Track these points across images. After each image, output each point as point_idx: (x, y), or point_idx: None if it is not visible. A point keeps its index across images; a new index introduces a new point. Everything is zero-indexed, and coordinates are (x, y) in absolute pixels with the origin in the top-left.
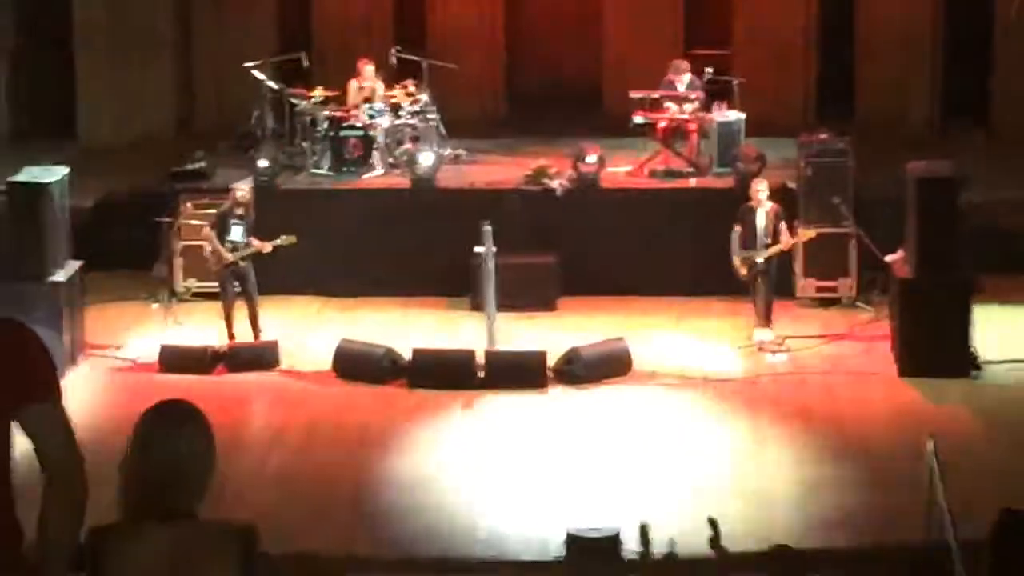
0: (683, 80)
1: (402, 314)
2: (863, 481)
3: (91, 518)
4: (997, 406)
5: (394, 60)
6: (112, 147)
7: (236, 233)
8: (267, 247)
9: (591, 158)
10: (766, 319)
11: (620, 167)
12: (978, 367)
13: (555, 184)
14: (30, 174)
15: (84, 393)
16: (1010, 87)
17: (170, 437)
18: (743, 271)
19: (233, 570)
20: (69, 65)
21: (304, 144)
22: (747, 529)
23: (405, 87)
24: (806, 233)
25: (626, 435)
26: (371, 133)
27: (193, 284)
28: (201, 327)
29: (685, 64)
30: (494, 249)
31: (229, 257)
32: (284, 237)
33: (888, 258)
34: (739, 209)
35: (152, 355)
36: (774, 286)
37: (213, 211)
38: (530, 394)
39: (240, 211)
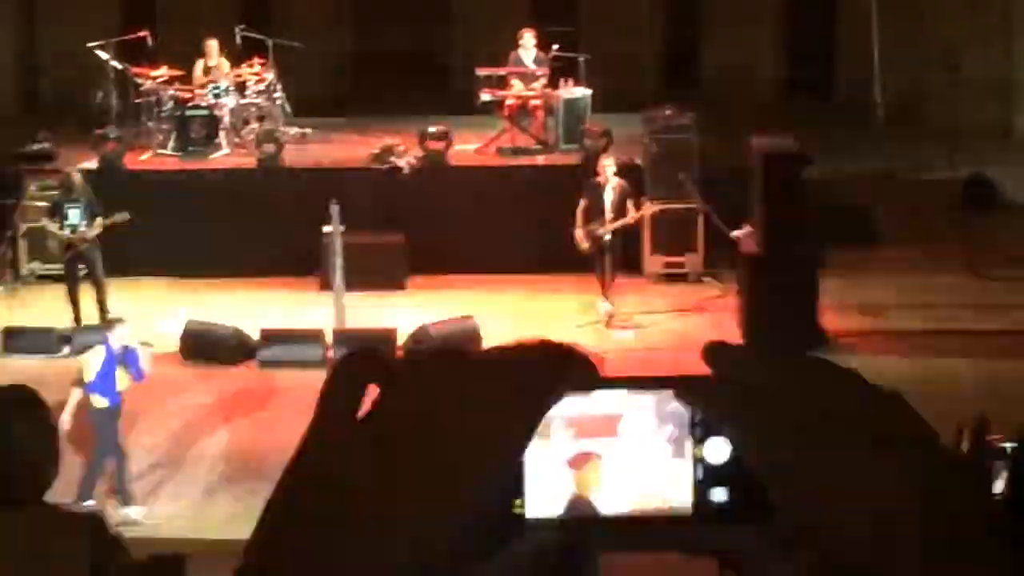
0: (530, 52)
1: (251, 294)
2: None
3: None
4: None
5: (239, 39)
6: None
7: (74, 216)
8: (107, 222)
9: (434, 131)
10: (609, 294)
11: (467, 145)
12: (824, 341)
13: (402, 163)
14: None
15: None
16: (853, 60)
17: (5, 425)
18: (585, 244)
19: (82, 555)
20: None
21: (149, 124)
22: None
23: (251, 66)
24: (650, 207)
25: None
26: (217, 113)
27: (38, 267)
28: (47, 310)
29: (532, 33)
30: (342, 228)
31: (66, 237)
32: (118, 214)
33: (735, 233)
34: (585, 184)
35: None
36: (619, 262)
37: (56, 193)
38: None
39: (74, 194)
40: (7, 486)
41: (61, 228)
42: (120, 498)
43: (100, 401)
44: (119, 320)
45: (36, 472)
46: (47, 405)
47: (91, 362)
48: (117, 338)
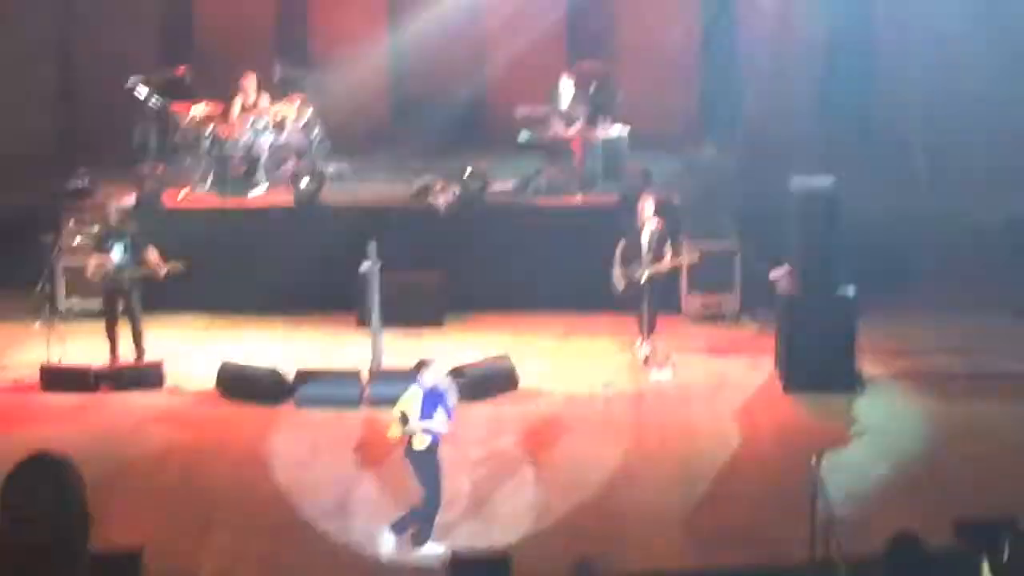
0: (568, 94)
1: (288, 332)
2: (748, 497)
3: None
4: (881, 421)
5: (278, 75)
6: None
7: (117, 252)
8: (161, 271)
9: (472, 169)
10: (648, 335)
11: (506, 183)
12: (862, 383)
13: (440, 201)
14: None
15: None
16: (893, 97)
17: (35, 497)
18: (621, 285)
19: None
20: None
21: (188, 161)
22: (634, 548)
23: (290, 102)
24: (690, 255)
25: (512, 453)
26: (255, 150)
27: (76, 303)
28: (84, 346)
29: (569, 74)
30: (379, 265)
31: (110, 274)
32: (172, 263)
33: (772, 274)
34: (625, 225)
35: (34, 375)
36: (657, 302)
37: (96, 228)
38: None
39: (116, 230)
40: (36, 555)
41: (105, 265)
42: (417, 536)
43: (420, 442)
44: (429, 361)
45: (66, 537)
46: (75, 469)
47: (412, 406)
48: (430, 378)
